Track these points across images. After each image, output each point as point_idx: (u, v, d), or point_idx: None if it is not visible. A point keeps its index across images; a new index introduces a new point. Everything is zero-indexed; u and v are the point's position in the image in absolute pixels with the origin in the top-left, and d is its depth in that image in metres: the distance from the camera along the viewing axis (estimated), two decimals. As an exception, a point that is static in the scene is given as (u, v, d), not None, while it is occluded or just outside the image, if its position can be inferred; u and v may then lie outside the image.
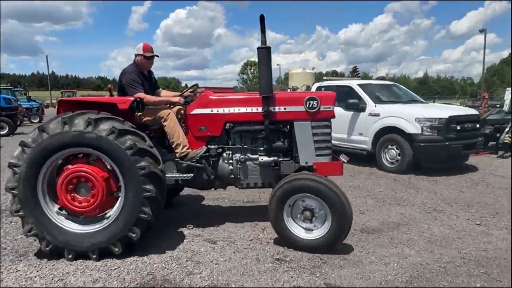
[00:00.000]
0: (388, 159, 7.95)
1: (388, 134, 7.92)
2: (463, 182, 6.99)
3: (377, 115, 8.14)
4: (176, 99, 4.44)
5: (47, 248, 3.51)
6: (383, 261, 3.59)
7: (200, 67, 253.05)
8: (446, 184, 6.74)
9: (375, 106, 8.25)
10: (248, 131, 4.28)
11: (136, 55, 4.46)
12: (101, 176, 3.53)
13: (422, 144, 7.37)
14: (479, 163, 8.81)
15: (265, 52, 3.96)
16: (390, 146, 7.90)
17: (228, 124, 4.27)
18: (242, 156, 4.26)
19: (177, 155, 4.16)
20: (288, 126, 4.33)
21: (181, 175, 4.16)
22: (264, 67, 3.99)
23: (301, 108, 4.20)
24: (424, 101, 10.06)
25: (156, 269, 3.37)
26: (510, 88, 13.89)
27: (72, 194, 3.55)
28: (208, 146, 4.24)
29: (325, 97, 4.28)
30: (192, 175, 4.18)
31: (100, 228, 3.55)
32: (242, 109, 4.23)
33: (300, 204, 3.75)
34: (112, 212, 3.61)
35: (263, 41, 3.96)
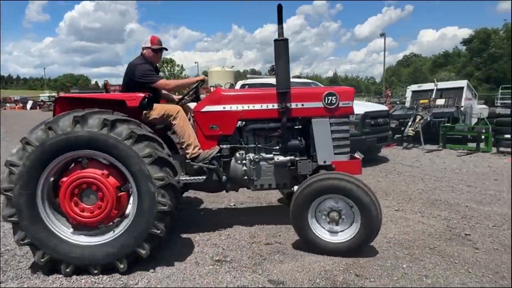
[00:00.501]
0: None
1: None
2: (378, 172, 7.60)
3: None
4: (199, 77, 4.28)
5: (42, 260, 3.12)
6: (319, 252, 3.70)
7: (112, 63, 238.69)
8: (364, 175, 7.21)
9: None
10: (263, 129, 4.05)
11: (143, 48, 4.25)
12: (102, 174, 3.20)
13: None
14: (389, 155, 9.68)
15: (282, 44, 3.74)
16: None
17: (241, 122, 4.00)
18: (256, 156, 4.01)
19: (187, 156, 3.85)
20: (305, 124, 4.12)
21: (192, 178, 3.83)
22: (282, 60, 3.76)
23: (319, 104, 4.02)
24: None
25: (85, 284, 3.04)
26: (410, 87, 15.63)
27: (79, 204, 3.19)
28: (220, 146, 3.97)
29: (344, 93, 4.11)
30: (204, 177, 3.87)
31: (106, 241, 3.18)
32: (257, 106, 3.99)
33: (326, 205, 3.54)
34: (122, 224, 3.24)
35: (280, 32, 3.73)
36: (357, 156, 4.17)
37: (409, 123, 10.94)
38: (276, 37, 3.74)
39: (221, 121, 3.95)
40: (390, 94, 28.99)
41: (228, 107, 3.95)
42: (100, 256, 3.11)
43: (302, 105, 4.01)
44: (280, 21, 3.72)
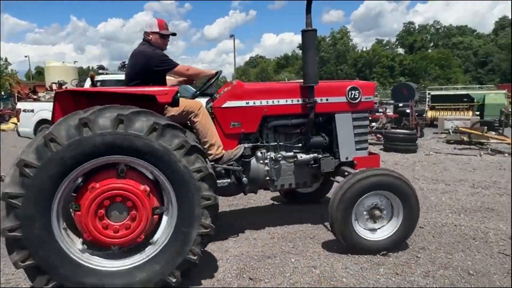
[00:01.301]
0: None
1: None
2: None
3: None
4: (211, 71, 3.81)
5: (47, 286, 2.52)
6: (211, 258, 3.54)
7: None
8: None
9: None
10: (285, 126, 3.83)
11: (148, 34, 3.70)
12: (144, 190, 2.72)
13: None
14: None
15: (311, 35, 3.58)
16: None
17: (264, 119, 3.72)
18: (278, 155, 3.78)
19: (210, 157, 3.44)
20: (327, 119, 3.96)
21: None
22: (310, 52, 3.60)
23: (343, 99, 3.90)
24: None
25: None
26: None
27: (103, 219, 2.67)
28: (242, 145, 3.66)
29: (366, 87, 4.04)
30: (229, 181, 3.57)
31: (142, 261, 2.72)
32: (282, 101, 3.74)
33: (367, 202, 3.45)
34: (159, 236, 2.81)
35: (309, 22, 3.56)
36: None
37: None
38: (305, 29, 3.59)
39: (244, 117, 3.65)
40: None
41: (251, 102, 3.67)
42: (133, 280, 2.67)
43: (327, 100, 3.87)
44: (308, 11, 3.57)
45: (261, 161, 3.77)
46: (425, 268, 3.25)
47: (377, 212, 3.48)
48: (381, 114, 14.02)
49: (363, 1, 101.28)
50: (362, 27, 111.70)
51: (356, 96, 3.94)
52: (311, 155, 3.90)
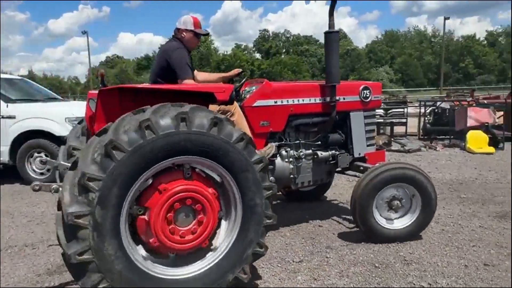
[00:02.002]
0: (36, 169, 6.61)
1: (31, 140, 6.52)
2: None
3: (12, 117, 6.50)
4: (234, 71, 4.02)
5: None
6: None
7: None
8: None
9: (7, 106, 6.57)
10: (307, 124, 3.97)
11: (181, 31, 3.73)
12: (211, 192, 2.59)
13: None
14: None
15: (334, 36, 3.81)
16: (36, 154, 6.55)
17: (290, 117, 3.83)
18: (301, 153, 3.89)
19: None
20: (342, 117, 4.12)
21: None
22: (333, 52, 3.81)
23: (356, 98, 4.13)
24: (62, 99, 9.18)
25: None
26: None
27: (171, 223, 2.45)
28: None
29: (376, 87, 4.31)
30: None
31: (211, 263, 2.59)
32: (306, 100, 3.89)
33: (386, 195, 3.63)
34: (221, 241, 2.69)
35: (331, 24, 3.75)
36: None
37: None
38: (326, 30, 3.76)
39: (273, 116, 3.71)
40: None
41: (279, 101, 3.74)
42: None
43: (344, 98, 4.03)
44: (331, 13, 3.72)
45: (286, 160, 3.81)
46: (337, 268, 3.30)
47: (396, 203, 3.65)
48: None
49: (221, 7, 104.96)
50: (221, 31, 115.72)
51: (367, 95, 4.19)
52: (330, 152, 4.05)
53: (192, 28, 3.73)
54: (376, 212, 3.64)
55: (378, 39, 75.13)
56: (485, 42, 66.79)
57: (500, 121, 10.68)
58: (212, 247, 2.69)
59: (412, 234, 3.74)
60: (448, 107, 11.65)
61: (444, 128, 11.09)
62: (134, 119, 2.34)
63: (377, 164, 3.80)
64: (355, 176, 4.58)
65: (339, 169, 4.37)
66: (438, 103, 12.50)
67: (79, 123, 3.80)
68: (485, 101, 12.82)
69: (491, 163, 7.98)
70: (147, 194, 2.45)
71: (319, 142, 4.07)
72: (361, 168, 4.07)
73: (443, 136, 11.20)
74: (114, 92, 2.80)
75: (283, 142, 3.90)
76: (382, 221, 3.68)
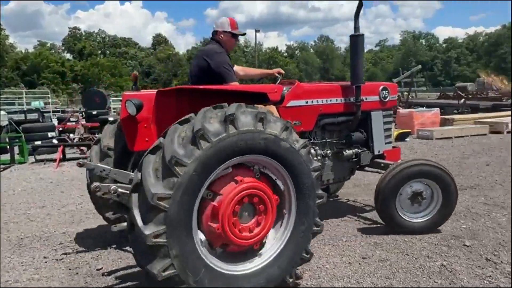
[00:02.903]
0: None
1: None
2: None
3: None
4: (275, 70, 4.19)
5: None
6: None
7: None
8: None
9: None
10: (333, 123, 4.15)
11: (219, 32, 3.78)
12: (275, 198, 2.74)
13: None
14: None
15: (359, 39, 4.01)
16: None
17: (319, 117, 4.00)
18: (328, 151, 4.08)
19: None
20: (364, 116, 4.28)
21: None
22: (358, 55, 4.04)
23: (376, 98, 4.40)
24: None
25: None
26: None
27: (235, 219, 2.56)
28: None
29: (392, 87, 4.62)
30: None
31: (259, 266, 2.67)
32: (333, 100, 4.10)
33: (409, 188, 3.85)
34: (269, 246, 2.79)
35: (357, 28, 3.94)
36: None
37: None
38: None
39: (304, 116, 3.86)
40: None
41: (310, 102, 3.92)
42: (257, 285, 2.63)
43: (366, 98, 4.24)
44: (357, 17, 3.94)
45: (315, 158, 3.72)
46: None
47: (418, 197, 3.87)
48: (75, 123, 12.73)
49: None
50: (17, 26, 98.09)
51: (386, 96, 4.44)
52: (353, 150, 4.23)
53: (230, 30, 3.78)
54: (399, 206, 3.87)
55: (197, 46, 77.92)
56: (286, 54, 77.90)
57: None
58: (261, 250, 2.78)
59: (432, 227, 3.95)
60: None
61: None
62: (218, 112, 2.49)
63: (399, 161, 4.15)
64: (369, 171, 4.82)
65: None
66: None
67: (111, 123, 3.87)
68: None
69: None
70: (221, 181, 2.55)
71: (344, 141, 4.28)
72: (382, 165, 4.39)
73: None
74: (172, 93, 3.08)
75: (311, 141, 4.00)
76: (403, 214, 3.90)
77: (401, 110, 14.42)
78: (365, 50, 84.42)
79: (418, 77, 30.56)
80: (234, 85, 3.49)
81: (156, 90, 3.22)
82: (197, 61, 3.70)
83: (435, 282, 3.01)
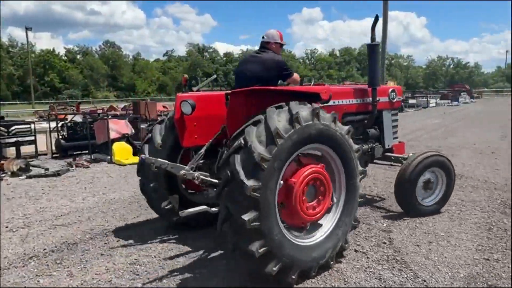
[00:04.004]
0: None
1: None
2: None
3: None
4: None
5: (275, 269, 2.90)
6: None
7: None
8: None
9: None
10: (353, 121, 4.64)
11: (271, 44, 4.28)
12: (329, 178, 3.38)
13: None
14: None
15: (375, 48, 4.80)
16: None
17: (343, 116, 4.40)
18: None
19: None
20: (377, 115, 4.88)
21: None
22: (374, 61, 4.83)
23: (386, 99, 5.07)
24: None
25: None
26: None
27: (304, 198, 3.20)
28: None
29: (398, 90, 5.31)
30: None
31: (317, 240, 3.28)
32: (354, 101, 4.68)
33: (423, 178, 4.53)
34: (328, 217, 3.47)
35: (373, 38, 4.70)
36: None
37: None
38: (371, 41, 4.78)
39: None
40: None
41: (336, 102, 4.38)
42: (318, 255, 3.21)
43: (379, 99, 4.84)
44: (373, 28, 4.66)
45: None
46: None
47: (429, 184, 4.58)
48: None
49: None
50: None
51: (394, 97, 5.16)
52: (369, 145, 4.92)
53: (279, 41, 4.32)
54: (417, 193, 4.50)
55: None
56: (66, 58, 69.08)
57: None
58: (319, 227, 3.39)
59: (437, 209, 4.75)
60: (81, 120, 11.11)
61: (82, 143, 10.49)
62: (283, 112, 3.02)
63: (415, 153, 4.74)
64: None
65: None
66: (70, 116, 11.64)
67: (159, 123, 4.35)
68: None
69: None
70: (291, 167, 3.15)
71: (361, 136, 4.90)
72: (393, 158, 5.13)
73: (81, 152, 10.60)
74: (242, 94, 3.48)
75: None
76: (420, 200, 4.58)
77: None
78: (153, 59, 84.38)
79: (215, 86, 33.28)
80: (296, 75, 4.18)
81: (203, 91, 3.89)
82: (253, 67, 4.08)
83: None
